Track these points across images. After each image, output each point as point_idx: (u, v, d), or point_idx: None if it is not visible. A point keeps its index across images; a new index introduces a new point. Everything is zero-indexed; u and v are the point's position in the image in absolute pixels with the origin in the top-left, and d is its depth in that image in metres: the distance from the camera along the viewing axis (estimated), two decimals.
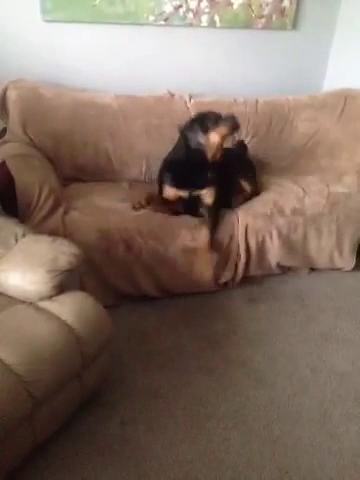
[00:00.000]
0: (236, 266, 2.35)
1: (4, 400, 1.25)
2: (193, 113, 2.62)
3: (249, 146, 2.74)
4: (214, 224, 2.25)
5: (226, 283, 2.39)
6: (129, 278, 2.19)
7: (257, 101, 2.82)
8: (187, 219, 2.26)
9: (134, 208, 2.24)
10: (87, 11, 2.52)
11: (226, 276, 2.35)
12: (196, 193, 2.24)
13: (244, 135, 2.76)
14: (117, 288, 2.20)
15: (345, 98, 2.88)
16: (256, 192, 2.47)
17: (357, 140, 2.79)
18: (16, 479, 1.44)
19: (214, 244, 2.23)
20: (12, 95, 2.40)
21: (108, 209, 2.21)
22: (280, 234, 2.36)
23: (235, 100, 2.80)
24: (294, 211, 2.37)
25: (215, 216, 2.27)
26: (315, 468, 1.54)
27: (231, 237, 2.29)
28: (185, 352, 2.01)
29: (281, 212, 2.35)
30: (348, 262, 2.56)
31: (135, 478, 1.48)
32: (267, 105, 2.82)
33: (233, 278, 2.38)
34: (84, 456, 1.54)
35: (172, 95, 2.73)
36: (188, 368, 1.92)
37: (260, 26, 2.88)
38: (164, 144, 2.55)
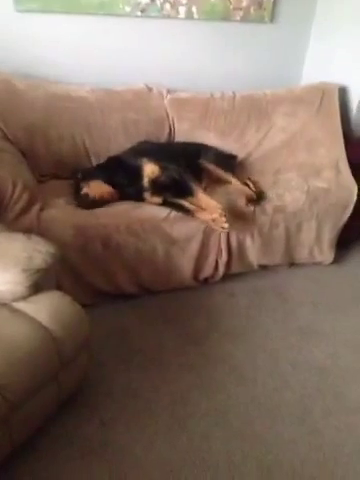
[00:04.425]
0: (217, 263, 2.32)
1: None
2: (170, 109, 2.66)
3: (228, 142, 2.75)
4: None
5: (206, 279, 2.37)
6: (107, 276, 2.15)
7: (234, 96, 2.80)
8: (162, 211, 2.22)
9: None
10: (61, 1, 2.43)
11: (206, 273, 2.33)
12: None
13: (220, 132, 2.76)
14: (95, 286, 2.15)
15: (322, 92, 2.85)
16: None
17: (334, 135, 2.77)
18: None
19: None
20: None
21: None
22: (261, 233, 2.33)
23: (212, 95, 2.78)
24: (275, 209, 2.34)
25: None
26: (296, 464, 1.55)
27: (213, 234, 2.25)
28: (165, 350, 1.98)
29: (263, 211, 2.33)
30: (327, 256, 2.58)
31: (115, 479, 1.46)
32: (245, 100, 2.80)
33: (213, 275, 2.36)
34: (63, 458, 1.51)
35: (150, 89, 2.68)
36: (169, 366, 1.90)
37: (238, 18, 2.84)
38: (141, 139, 2.53)
